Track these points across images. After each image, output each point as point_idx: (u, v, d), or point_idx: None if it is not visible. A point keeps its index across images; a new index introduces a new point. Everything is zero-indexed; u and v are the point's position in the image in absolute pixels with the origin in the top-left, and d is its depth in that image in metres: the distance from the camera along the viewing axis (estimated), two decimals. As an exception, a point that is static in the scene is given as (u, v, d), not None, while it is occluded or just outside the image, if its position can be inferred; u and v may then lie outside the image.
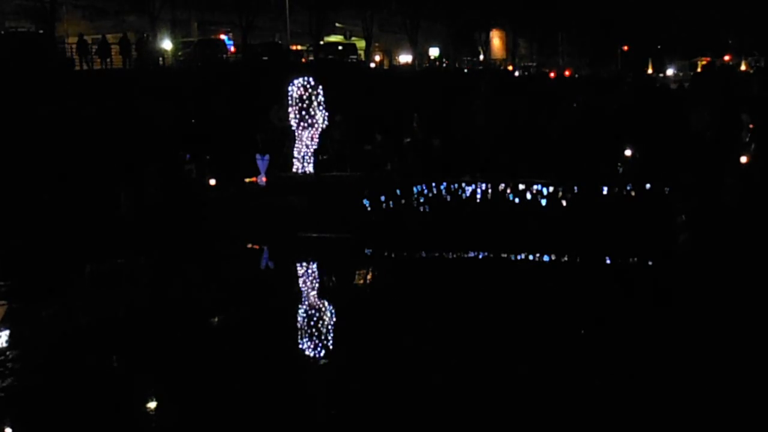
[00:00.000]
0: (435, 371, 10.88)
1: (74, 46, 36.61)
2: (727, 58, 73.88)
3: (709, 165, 20.13)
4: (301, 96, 21.94)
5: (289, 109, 22.10)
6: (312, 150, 22.33)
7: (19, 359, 11.75)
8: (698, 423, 9.32)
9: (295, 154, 22.41)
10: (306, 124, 22.01)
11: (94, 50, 36.23)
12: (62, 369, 11.47)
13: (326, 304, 15.01)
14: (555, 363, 11.05)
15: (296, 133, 22.29)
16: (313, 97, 21.97)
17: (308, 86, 21.97)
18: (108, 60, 35.97)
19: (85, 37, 37.21)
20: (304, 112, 21.94)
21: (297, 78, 22.31)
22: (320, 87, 22.07)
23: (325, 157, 23.79)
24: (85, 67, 35.18)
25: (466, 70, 62.02)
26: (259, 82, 31.32)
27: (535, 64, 77.38)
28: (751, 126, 20.66)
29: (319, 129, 22.22)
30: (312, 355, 12.00)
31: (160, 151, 24.27)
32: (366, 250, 18.86)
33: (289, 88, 22.09)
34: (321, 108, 22.05)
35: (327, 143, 24.29)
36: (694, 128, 22.22)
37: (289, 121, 22.38)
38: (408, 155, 24.77)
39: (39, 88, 26.92)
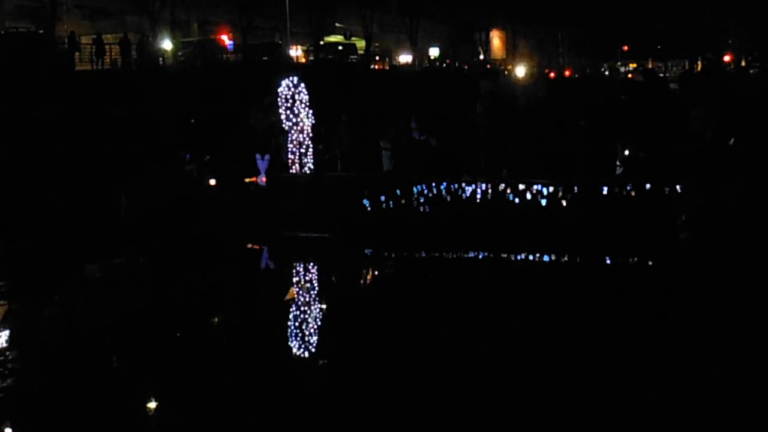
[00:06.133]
0: (434, 371, 10.88)
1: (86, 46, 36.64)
2: (727, 58, 73.87)
3: (709, 165, 20.11)
4: (287, 96, 21.93)
5: (280, 110, 22.09)
6: (305, 150, 22.30)
7: (19, 359, 11.74)
8: (698, 424, 9.32)
9: (290, 154, 22.41)
10: (292, 124, 22.02)
11: (93, 50, 36.20)
12: (62, 369, 11.47)
13: (326, 304, 15.01)
14: (554, 364, 11.05)
15: (288, 134, 22.29)
16: (296, 96, 21.94)
17: (292, 85, 21.94)
18: (102, 60, 35.89)
19: (82, 37, 37.23)
20: (289, 112, 21.92)
21: (283, 78, 22.30)
22: (302, 85, 22.02)
23: (327, 156, 23.77)
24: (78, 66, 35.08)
25: (465, 68, 62.01)
26: (258, 82, 31.30)
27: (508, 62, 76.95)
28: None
29: (307, 128, 22.17)
30: (310, 355, 12.00)
31: (160, 151, 24.26)
32: (366, 250, 18.87)
33: (279, 89, 22.07)
34: (305, 107, 22.01)
35: (334, 142, 24.31)
36: (693, 128, 22.18)
37: (274, 122, 22.43)
38: (407, 156, 24.76)
39: (39, 89, 26.91)
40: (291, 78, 22.19)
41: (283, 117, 22.02)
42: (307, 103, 21.98)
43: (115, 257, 18.77)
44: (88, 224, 20.50)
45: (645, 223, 17.53)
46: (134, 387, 10.81)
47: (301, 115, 21.95)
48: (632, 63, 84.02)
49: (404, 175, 22.05)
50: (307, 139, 22.17)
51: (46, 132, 25.11)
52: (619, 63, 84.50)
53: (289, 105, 21.90)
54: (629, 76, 66.16)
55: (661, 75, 69.46)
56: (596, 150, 22.10)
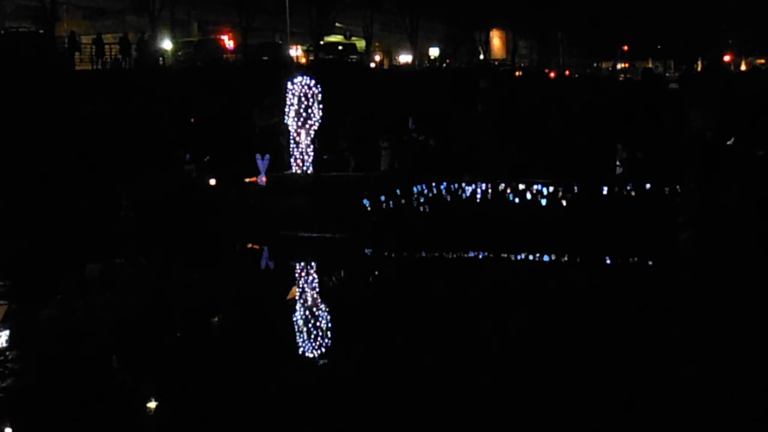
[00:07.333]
0: (434, 371, 10.87)
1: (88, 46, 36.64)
2: (727, 58, 73.86)
3: (709, 165, 20.11)
4: (300, 95, 21.82)
5: (287, 109, 22.00)
6: (311, 149, 22.26)
7: (19, 359, 11.74)
8: (698, 425, 9.32)
9: (293, 153, 22.35)
10: (305, 123, 21.90)
11: (93, 50, 36.22)
12: (62, 369, 11.46)
13: (326, 304, 15.00)
14: (554, 364, 11.04)
15: (293, 133, 22.22)
16: (312, 97, 21.86)
17: (307, 85, 21.87)
18: (102, 60, 35.89)
19: (82, 37, 37.21)
20: (303, 112, 21.79)
21: (294, 77, 22.22)
22: (319, 86, 21.96)
23: (325, 156, 23.75)
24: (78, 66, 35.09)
25: (465, 66, 61.99)
26: (258, 82, 31.28)
27: (509, 61, 76.64)
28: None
29: (316, 128, 22.12)
30: (311, 355, 12.00)
31: (160, 152, 24.25)
32: (366, 250, 18.86)
33: (288, 88, 21.97)
34: (320, 107, 21.95)
35: (340, 143, 24.29)
36: (694, 127, 22.20)
37: (277, 121, 22.37)
38: (407, 156, 24.76)
39: (39, 89, 26.89)
40: (305, 78, 22.11)
41: (296, 117, 21.87)
42: (321, 104, 21.94)
43: (114, 257, 18.76)
44: (87, 224, 20.48)
45: (645, 223, 17.53)
46: (135, 387, 10.81)
47: (318, 115, 21.89)
48: (625, 63, 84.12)
49: (404, 175, 22.05)
50: (314, 138, 22.14)
51: (45, 132, 25.08)
52: (607, 64, 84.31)
53: (305, 105, 21.75)
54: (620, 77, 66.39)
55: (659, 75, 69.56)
56: (596, 150, 22.13)
